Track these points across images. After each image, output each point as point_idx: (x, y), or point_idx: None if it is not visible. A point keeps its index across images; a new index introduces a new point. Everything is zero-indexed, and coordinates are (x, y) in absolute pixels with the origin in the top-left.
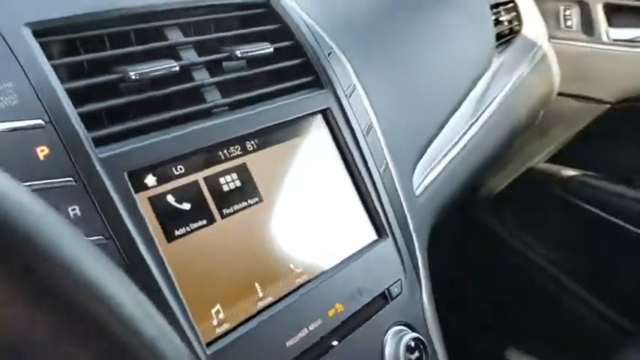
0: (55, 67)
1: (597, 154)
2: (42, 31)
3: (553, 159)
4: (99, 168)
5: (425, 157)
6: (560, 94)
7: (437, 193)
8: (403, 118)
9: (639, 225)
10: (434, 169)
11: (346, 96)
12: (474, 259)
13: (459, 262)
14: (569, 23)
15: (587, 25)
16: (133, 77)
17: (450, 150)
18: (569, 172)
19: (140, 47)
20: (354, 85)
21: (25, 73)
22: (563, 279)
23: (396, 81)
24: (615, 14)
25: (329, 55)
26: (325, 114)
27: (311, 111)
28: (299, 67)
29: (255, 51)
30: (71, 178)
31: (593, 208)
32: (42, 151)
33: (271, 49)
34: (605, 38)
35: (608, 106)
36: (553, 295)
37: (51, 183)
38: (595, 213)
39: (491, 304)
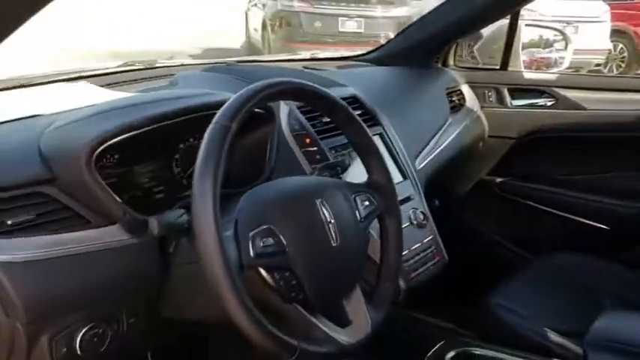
0: None
1: (516, 167)
2: None
3: (490, 173)
4: None
5: (422, 153)
6: (490, 136)
7: (425, 170)
8: (409, 136)
9: (546, 205)
10: (424, 160)
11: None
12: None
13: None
14: (490, 99)
15: (500, 99)
16: None
17: (430, 152)
18: (501, 179)
19: None
20: None
21: None
22: (511, 245)
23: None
24: (514, 92)
25: None
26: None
27: None
28: None
29: None
30: None
31: (519, 199)
32: None
33: None
34: (509, 105)
35: (514, 140)
36: (505, 256)
37: None
38: (521, 201)
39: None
